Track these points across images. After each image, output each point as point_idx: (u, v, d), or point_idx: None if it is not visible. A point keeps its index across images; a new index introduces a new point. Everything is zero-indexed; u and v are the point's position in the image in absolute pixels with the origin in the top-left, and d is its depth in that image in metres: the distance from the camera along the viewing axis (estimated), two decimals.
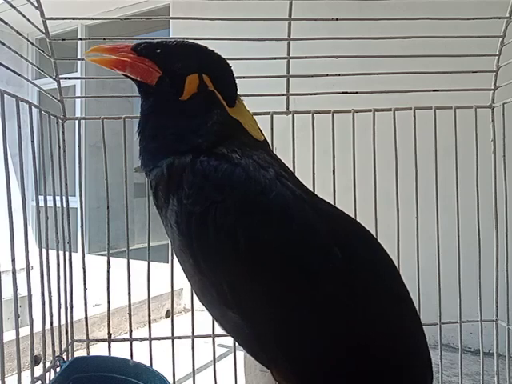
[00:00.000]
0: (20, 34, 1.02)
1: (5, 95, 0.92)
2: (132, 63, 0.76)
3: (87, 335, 1.26)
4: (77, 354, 1.26)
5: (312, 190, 0.87)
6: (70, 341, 1.22)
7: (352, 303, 0.65)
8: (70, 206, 1.26)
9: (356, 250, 0.69)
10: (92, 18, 1.13)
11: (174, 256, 1.22)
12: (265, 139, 0.82)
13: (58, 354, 1.16)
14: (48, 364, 1.11)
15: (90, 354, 1.27)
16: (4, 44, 0.96)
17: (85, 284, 1.24)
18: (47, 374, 1.09)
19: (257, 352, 0.71)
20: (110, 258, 1.25)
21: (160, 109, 0.78)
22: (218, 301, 0.69)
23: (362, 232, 0.75)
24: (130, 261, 1.26)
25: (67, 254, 1.23)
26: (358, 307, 0.65)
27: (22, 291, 1.01)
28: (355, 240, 0.72)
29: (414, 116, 1.30)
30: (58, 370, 1.11)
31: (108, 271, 1.24)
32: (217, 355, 1.29)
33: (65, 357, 1.19)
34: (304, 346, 0.65)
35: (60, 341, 1.17)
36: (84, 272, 1.26)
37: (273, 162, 0.74)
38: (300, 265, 0.65)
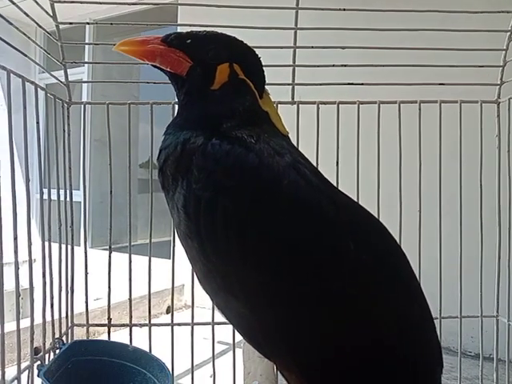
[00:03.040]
0: (27, 15, 1.02)
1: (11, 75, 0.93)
2: (162, 53, 0.75)
3: (87, 320, 1.26)
4: None
5: None
6: (69, 324, 1.23)
7: (361, 296, 0.64)
8: (73, 200, 1.26)
9: (370, 242, 0.68)
10: (100, 3, 1.13)
11: (176, 252, 1.22)
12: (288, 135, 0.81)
13: (57, 336, 1.16)
14: (47, 346, 1.12)
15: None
16: (12, 24, 0.97)
17: (86, 268, 1.25)
18: (46, 356, 1.09)
19: (259, 342, 0.71)
20: (113, 253, 1.25)
21: (192, 98, 0.77)
22: (223, 288, 0.68)
23: (376, 224, 0.74)
24: (132, 256, 1.26)
25: (69, 238, 1.23)
26: (368, 300, 0.64)
27: (25, 283, 1.01)
28: (370, 231, 0.71)
29: (420, 109, 1.30)
30: (57, 352, 1.12)
31: (110, 247, 1.23)
32: (216, 352, 1.29)
33: (64, 340, 1.20)
34: (309, 339, 0.64)
35: (60, 324, 1.17)
36: (86, 256, 1.26)
37: (290, 149, 0.73)
38: (310, 256, 0.64)
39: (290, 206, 0.65)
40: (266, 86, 0.82)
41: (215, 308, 1.10)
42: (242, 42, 0.80)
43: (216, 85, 0.76)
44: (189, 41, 0.76)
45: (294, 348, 0.65)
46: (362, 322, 0.64)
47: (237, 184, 0.65)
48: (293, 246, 0.63)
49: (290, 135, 0.81)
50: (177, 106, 0.85)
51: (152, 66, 0.77)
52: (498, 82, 1.34)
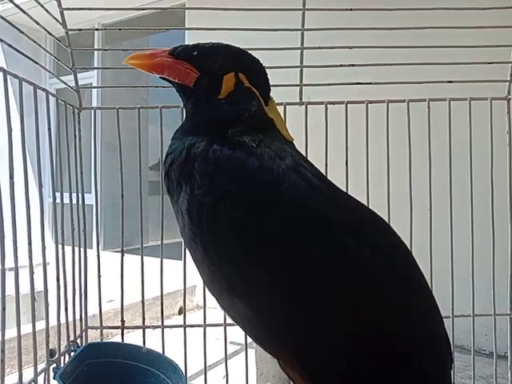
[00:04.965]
0: (38, 24, 1.04)
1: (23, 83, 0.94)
2: (170, 66, 0.78)
3: (101, 322, 1.27)
4: None
5: None
6: (84, 327, 1.24)
7: (363, 295, 0.64)
8: (85, 203, 1.27)
9: (373, 241, 0.68)
10: (108, 9, 1.14)
11: (188, 253, 1.23)
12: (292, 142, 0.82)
13: (72, 339, 1.17)
14: (62, 349, 1.13)
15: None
16: (23, 32, 0.98)
17: (99, 271, 1.26)
18: (61, 358, 1.10)
19: (264, 341, 0.72)
20: (124, 255, 1.26)
21: (199, 107, 0.80)
22: (227, 291, 0.69)
23: (380, 224, 0.75)
24: (144, 258, 1.27)
25: (82, 242, 1.24)
26: (370, 298, 0.64)
27: (39, 286, 1.03)
28: (372, 231, 0.71)
29: (429, 107, 1.29)
30: (72, 354, 1.13)
31: (122, 250, 1.24)
32: (228, 352, 1.29)
33: (79, 343, 1.21)
34: (311, 338, 0.64)
35: (74, 326, 1.18)
36: (98, 260, 1.27)
37: (292, 153, 0.74)
38: (311, 256, 0.64)
39: (290, 208, 0.66)
40: (271, 93, 0.84)
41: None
42: (246, 52, 0.83)
43: (223, 94, 0.78)
44: (195, 53, 0.79)
45: (297, 347, 0.66)
46: (364, 320, 0.64)
47: (238, 188, 0.66)
48: (293, 248, 0.64)
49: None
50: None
51: (160, 77, 0.80)
52: (508, 79, 1.32)
